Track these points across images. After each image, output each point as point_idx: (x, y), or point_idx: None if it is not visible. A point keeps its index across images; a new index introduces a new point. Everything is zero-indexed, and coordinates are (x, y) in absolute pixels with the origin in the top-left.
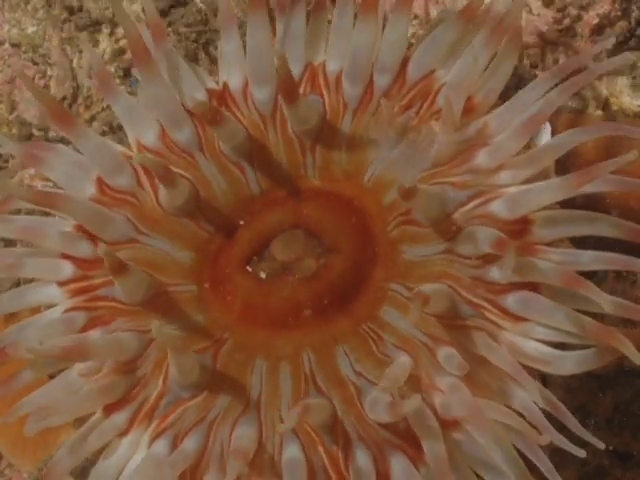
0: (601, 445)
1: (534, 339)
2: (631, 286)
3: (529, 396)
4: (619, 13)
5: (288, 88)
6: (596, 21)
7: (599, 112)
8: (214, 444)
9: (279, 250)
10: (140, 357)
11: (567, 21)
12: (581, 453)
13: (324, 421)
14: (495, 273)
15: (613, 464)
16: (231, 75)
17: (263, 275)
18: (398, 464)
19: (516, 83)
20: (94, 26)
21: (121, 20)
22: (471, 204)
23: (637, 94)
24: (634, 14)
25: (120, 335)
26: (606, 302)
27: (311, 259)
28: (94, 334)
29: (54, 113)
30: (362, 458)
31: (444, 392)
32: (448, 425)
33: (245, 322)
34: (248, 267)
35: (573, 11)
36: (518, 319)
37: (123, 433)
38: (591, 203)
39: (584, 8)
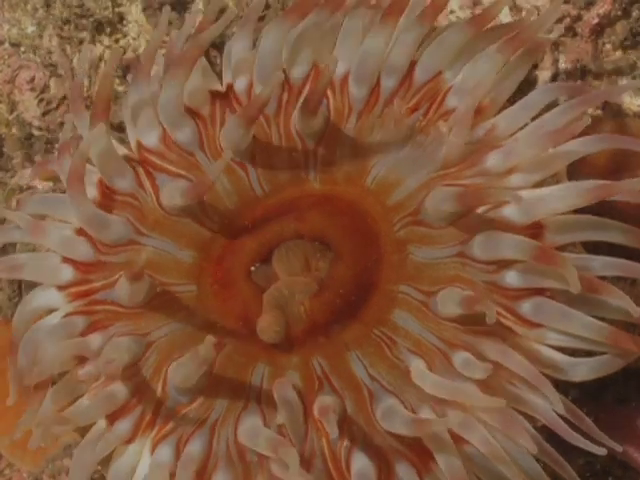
0: (619, 448)
1: (548, 345)
2: (631, 286)
3: (548, 402)
4: (619, 13)
5: (313, 103)
6: (596, 21)
7: (599, 112)
8: (219, 444)
9: (280, 269)
10: (139, 362)
11: (567, 21)
12: (602, 451)
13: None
14: (510, 278)
15: (614, 464)
16: (237, 76)
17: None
18: (403, 472)
19: None
20: (94, 26)
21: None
22: (483, 207)
23: (637, 94)
24: (634, 14)
25: (118, 340)
26: (633, 308)
27: (312, 280)
28: (93, 338)
29: (73, 101)
30: (365, 461)
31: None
32: (460, 439)
33: (245, 330)
34: (251, 272)
35: (573, 11)
36: (533, 325)
37: (128, 441)
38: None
39: (584, 8)
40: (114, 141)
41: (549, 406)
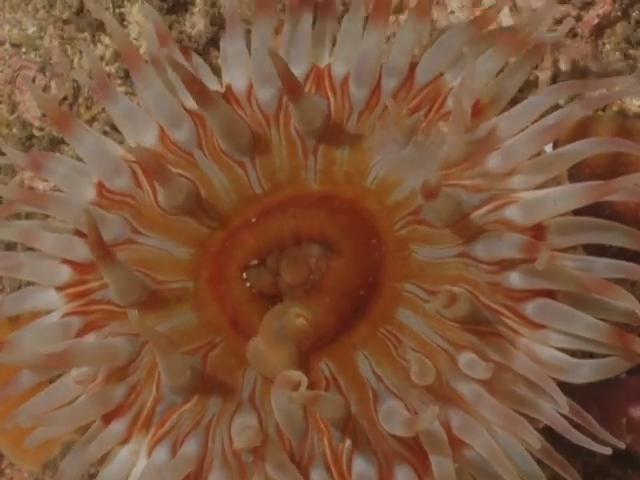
0: (622, 445)
1: (551, 346)
2: (631, 287)
3: (553, 402)
4: (619, 13)
5: (292, 87)
6: (596, 21)
7: (600, 113)
8: (214, 444)
9: (288, 273)
10: (133, 362)
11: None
12: (607, 451)
13: (336, 418)
14: (513, 279)
15: (613, 464)
16: (235, 76)
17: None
18: (402, 475)
19: None
20: (95, 27)
21: (111, 28)
22: (485, 208)
23: (637, 95)
24: (634, 14)
25: (113, 340)
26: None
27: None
28: (88, 339)
29: (53, 116)
30: (366, 463)
31: (467, 402)
32: (460, 443)
33: (237, 330)
34: (244, 274)
35: (573, 11)
36: (536, 326)
37: (124, 441)
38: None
39: (584, 8)
40: (113, 142)
41: (553, 407)
